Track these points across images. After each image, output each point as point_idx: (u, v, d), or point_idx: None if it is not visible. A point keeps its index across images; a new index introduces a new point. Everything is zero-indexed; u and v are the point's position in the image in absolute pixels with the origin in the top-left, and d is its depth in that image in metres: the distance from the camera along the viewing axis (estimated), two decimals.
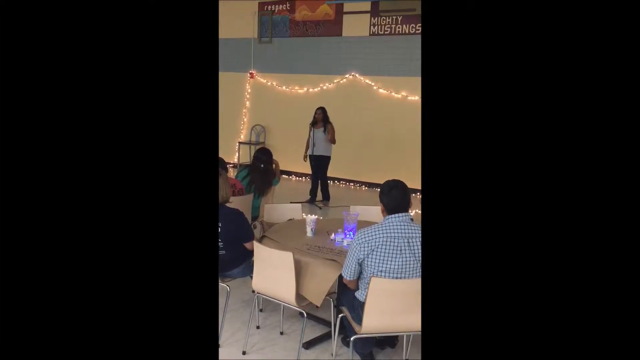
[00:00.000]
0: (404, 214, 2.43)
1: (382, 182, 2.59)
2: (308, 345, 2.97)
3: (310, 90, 8.14)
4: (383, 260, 2.38)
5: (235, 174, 4.71)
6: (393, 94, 7.43)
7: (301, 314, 2.72)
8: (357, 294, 2.54)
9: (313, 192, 6.57)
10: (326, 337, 3.06)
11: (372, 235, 2.40)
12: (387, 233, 2.39)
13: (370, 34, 7.52)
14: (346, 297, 2.65)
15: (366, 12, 7.49)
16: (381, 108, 7.53)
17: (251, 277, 2.89)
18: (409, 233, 2.39)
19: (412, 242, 2.38)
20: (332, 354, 2.85)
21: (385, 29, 7.38)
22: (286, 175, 8.25)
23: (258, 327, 3.19)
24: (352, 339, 2.53)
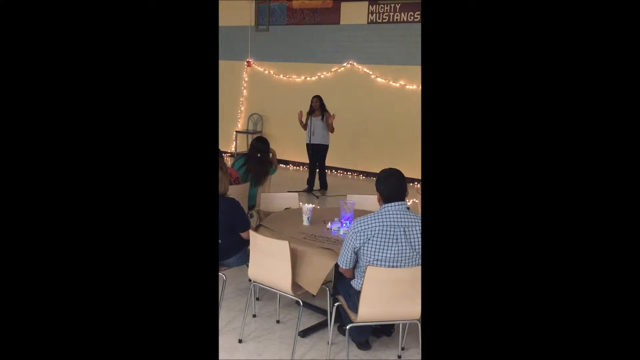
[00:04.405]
0: (400, 202, 2.42)
1: (379, 171, 2.58)
2: (304, 333, 2.98)
3: (308, 79, 8.10)
4: (379, 248, 2.38)
5: (232, 162, 4.69)
6: (391, 82, 7.40)
7: (297, 302, 2.72)
8: (353, 283, 2.55)
9: (310, 181, 6.56)
10: (322, 325, 3.07)
11: (368, 224, 2.40)
12: (383, 222, 2.38)
13: (368, 22, 7.46)
14: (342, 285, 2.65)
15: None
16: (379, 97, 7.50)
17: (247, 265, 2.89)
18: (405, 222, 2.39)
19: (409, 230, 2.38)
20: (328, 343, 2.86)
21: (384, 16, 7.32)
22: (283, 164, 8.24)
23: (254, 316, 3.20)
24: (348, 327, 2.54)
